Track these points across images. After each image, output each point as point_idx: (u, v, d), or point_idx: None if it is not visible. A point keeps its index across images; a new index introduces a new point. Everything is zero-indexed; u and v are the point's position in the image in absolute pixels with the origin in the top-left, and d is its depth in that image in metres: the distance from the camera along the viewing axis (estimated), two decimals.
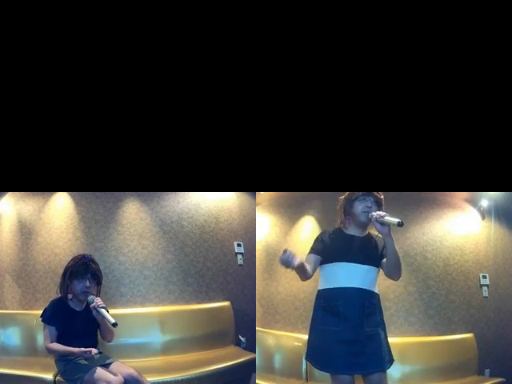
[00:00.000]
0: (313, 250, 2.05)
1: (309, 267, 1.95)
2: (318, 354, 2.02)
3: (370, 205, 2.01)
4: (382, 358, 1.96)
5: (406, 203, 3.11)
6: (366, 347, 1.93)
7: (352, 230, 2.06)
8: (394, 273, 1.99)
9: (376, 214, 1.93)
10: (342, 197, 2.12)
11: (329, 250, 2.03)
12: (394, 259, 1.94)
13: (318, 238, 2.09)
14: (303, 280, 2.00)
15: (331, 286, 2.01)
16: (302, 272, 1.93)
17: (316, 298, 2.07)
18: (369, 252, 2.01)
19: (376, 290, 2.02)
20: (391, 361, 1.99)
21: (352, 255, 1.99)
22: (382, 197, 2.06)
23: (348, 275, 1.98)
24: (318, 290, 2.07)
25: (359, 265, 1.98)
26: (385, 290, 2.84)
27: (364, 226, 2.03)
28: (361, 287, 1.97)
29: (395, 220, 1.88)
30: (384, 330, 2.01)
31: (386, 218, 1.90)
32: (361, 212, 2.01)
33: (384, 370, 1.96)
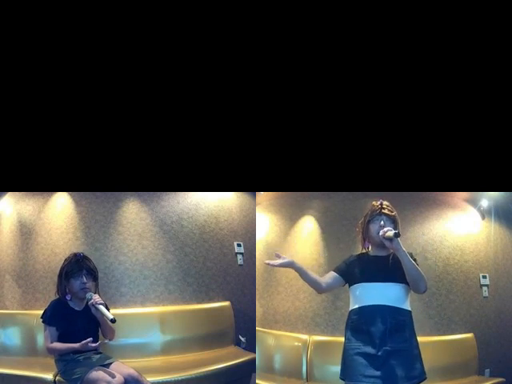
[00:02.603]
0: (336, 269, 2.11)
1: (322, 280, 2.06)
2: (343, 366, 2.05)
3: (382, 224, 2.00)
4: (403, 374, 1.92)
5: (406, 203, 3.11)
6: (386, 363, 1.92)
7: (375, 252, 2.08)
8: (414, 286, 1.97)
9: (381, 231, 1.95)
10: (360, 222, 2.13)
11: (352, 272, 2.07)
12: (410, 272, 1.93)
13: (344, 261, 2.14)
14: (319, 292, 2.15)
15: (356, 306, 2.04)
16: (306, 277, 2.03)
17: (346, 320, 2.11)
18: (393, 269, 2.00)
19: (405, 307, 2.00)
20: (420, 377, 1.95)
21: (374, 275, 2.01)
22: (394, 213, 2.05)
23: (370, 294, 2.00)
24: (348, 312, 2.10)
25: (381, 283, 1.99)
26: None
27: (383, 245, 2.01)
28: (383, 304, 1.97)
29: (391, 233, 1.90)
30: (415, 346, 1.98)
31: (388, 232, 1.91)
32: (376, 233, 2.01)
33: None
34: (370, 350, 1.95)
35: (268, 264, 1.97)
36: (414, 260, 1.99)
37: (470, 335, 3.04)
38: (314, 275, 2.08)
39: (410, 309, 2.02)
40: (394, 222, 2.03)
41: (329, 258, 3.15)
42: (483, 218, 3.21)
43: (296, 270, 2.01)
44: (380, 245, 2.02)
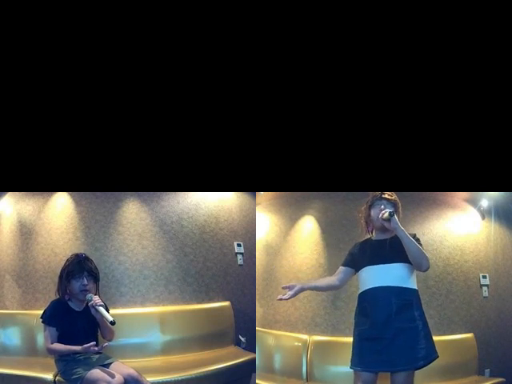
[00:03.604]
0: (343, 263, 2.18)
1: (333, 279, 2.15)
2: (352, 353, 2.08)
3: (383, 207, 2.03)
4: (409, 356, 1.94)
5: (406, 203, 3.10)
6: (393, 344, 1.94)
7: (378, 236, 2.13)
8: (416, 263, 2.00)
9: (380, 214, 2.00)
10: (363, 208, 2.18)
11: (358, 259, 2.12)
12: (411, 250, 1.96)
13: (349, 251, 2.21)
14: (337, 289, 2.27)
15: (361, 290, 2.08)
16: (319, 289, 2.21)
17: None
18: (395, 250, 2.03)
19: (410, 286, 2.02)
20: (428, 357, 1.97)
21: (377, 258, 2.05)
22: (394, 197, 2.10)
23: (373, 276, 2.04)
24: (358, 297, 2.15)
25: (385, 265, 2.03)
26: None
27: (384, 228, 2.06)
28: (386, 285, 2.00)
29: (386, 213, 1.97)
30: (422, 325, 2.00)
31: (384, 214, 1.98)
32: (377, 217, 2.05)
33: (410, 370, 1.95)
34: (374, 333, 1.97)
35: (281, 299, 2.00)
36: (418, 240, 2.02)
37: (469, 335, 3.03)
38: (324, 281, 2.21)
39: (416, 287, 2.04)
40: (394, 205, 2.08)
41: (329, 258, 3.15)
42: (483, 218, 3.21)
43: (309, 289, 2.12)
44: (381, 228, 2.07)
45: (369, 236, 2.18)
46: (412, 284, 2.03)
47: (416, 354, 1.95)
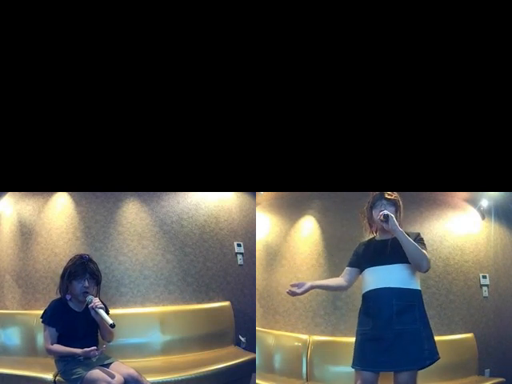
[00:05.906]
0: (348, 264, 2.20)
1: (341, 280, 2.16)
2: (354, 353, 2.10)
3: (382, 208, 2.05)
4: (412, 357, 1.96)
5: (406, 203, 3.10)
6: (395, 345, 1.95)
7: (381, 236, 2.14)
8: (415, 264, 2.00)
9: (378, 215, 2.02)
10: (365, 208, 2.19)
11: (362, 259, 2.14)
12: (410, 251, 1.97)
13: (354, 251, 2.22)
14: (345, 290, 2.26)
15: (364, 291, 2.10)
16: (328, 289, 2.25)
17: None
18: (396, 251, 2.03)
19: (412, 286, 2.03)
20: (431, 358, 1.99)
21: (380, 258, 2.06)
22: (394, 196, 2.10)
23: (375, 278, 2.06)
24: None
25: (387, 266, 2.04)
26: None
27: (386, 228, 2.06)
28: (388, 286, 2.01)
29: (382, 215, 2.00)
30: (424, 326, 2.01)
31: (381, 216, 2.01)
32: (377, 218, 2.07)
33: (413, 369, 1.97)
34: (376, 334, 1.98)
35: (290, 292, 2.03)
36: (421, 240, 2.04)
37: (469, 335, 3.03)
38: (333, 281, 2.20)
39: (418, 288, 2.05)
40: (394, 204, 2.09)
41: (329, 258, 3.15)
42: (483, 218, 3.21)
43: (318, 288, 2.18)
44: (383, 229, 2.07)
45: (373, 236, 2.18)
46: (414, 285, 2.03)
47: (419, 354, 1.96)
